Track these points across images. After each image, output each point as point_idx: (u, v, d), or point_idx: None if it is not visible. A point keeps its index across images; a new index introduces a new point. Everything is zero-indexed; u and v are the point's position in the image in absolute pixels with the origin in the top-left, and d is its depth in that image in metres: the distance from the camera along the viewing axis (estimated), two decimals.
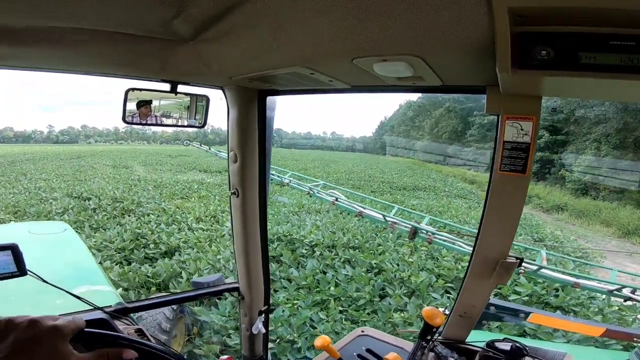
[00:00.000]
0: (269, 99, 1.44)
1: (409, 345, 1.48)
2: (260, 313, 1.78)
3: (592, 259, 9.29)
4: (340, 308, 4.45)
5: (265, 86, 1.33)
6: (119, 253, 6.02)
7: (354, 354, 1.38)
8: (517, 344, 1.24)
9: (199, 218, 8.39)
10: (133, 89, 1.13)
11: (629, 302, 4.53)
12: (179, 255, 5.85)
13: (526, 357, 1.24)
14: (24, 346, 0.52)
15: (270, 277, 1.88)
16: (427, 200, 14.84)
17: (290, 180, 8.99)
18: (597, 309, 4.72)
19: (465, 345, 1.40)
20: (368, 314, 4.38)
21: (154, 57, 0.97)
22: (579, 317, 4.62)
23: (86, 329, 0.64)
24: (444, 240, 5.84)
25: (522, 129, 0.93)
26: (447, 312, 1.36)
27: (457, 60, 0.82)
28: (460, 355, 1.36)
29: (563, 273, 5.01)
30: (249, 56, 0.94)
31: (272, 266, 5.20)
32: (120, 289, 4.40)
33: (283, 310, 4.09)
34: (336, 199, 7.31)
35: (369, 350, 1.33)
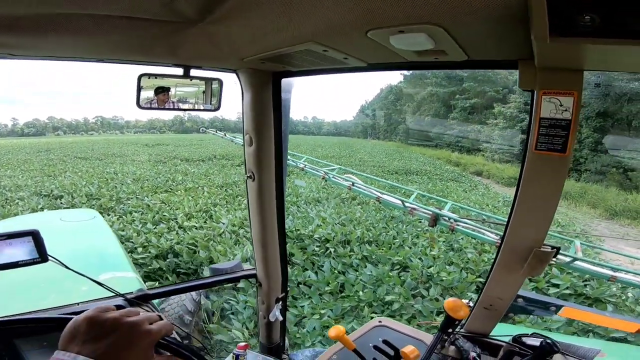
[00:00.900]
0: (284, 81, 1.39)
1: (429, 338, 1.42)
2: (277, 300, 1.75)
3: (593, 242, 9.27)
4: (373, 314, 3.91)
5: (279, 67, 1.28)
6: None
7: (370, 345, 1.28)
8: (548, 340, 1.15)
9: (189, 214, 7.56)
10: (146, 75, 1.12)
11: None
12: (175, 257, 5.13)
13: (556, 354, 1.14)
14: (121, 347, 0.53)
15: (288, 283, 1.85)
16: (423, 184, 14.50)
17: (305, 165, 8.60)
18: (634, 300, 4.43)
19: (489, 339, 1.35)
20: (408, 320, 3.88)
21: (163, 41, 0.93)
22: (620, 309, 4.34)
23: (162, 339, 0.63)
24: (468, 228, 5.48)
25: (561, 105, 0.86)
26: (471, 304, 1.28)
27: (485, 30, 0.73)
28: (483, 350, 1.30)
29: (599, 265, 4.69)
30: (259, 35, 0.89)
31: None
32: None
33: (314, 328, 3.51)
34: (353, 184, 6.75)
35: (385, 342, 1.21)
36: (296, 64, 1.20)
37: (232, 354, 1.42)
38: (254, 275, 1.73)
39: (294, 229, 6.18)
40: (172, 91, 1.17)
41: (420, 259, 5.26)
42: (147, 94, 1.14)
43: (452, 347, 1.29)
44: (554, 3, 0.52)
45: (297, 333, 3.52)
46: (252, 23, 0.80)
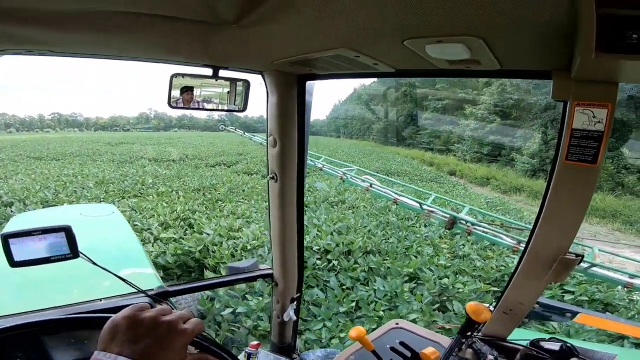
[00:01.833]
0: (308, 83, 1.38)
1: (445, 340, 1.44)
2: (292, 300, 1.76)
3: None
4: None
5: (305, 70, 1.28)
6: None
7: (387, 346, 1.26)
8: (567, 344, 1.16)
9: (165, 223, 6.75)
10: (177, 75, 1.13)
11: None
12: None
13: (575, 359, 1.15)
14: (159, 346, 0.54)
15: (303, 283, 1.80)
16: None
17: (324, 165, 8.68)
18: None
19: (507, 343, 1.35)
20: None
21: (196, 40, 0.94)
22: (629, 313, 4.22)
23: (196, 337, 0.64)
24: (486, 232, 5.27)
25: (594, 117, 0.85)
26: (491, 308, 1.27)
27: (523, 42, 0.73)
28: (500, 353, 1.30)
29: (616, 271, 4.60)
30: (292, 39, 0.90)
31: None
32: None
33: None
34: (370, 185, 6.88)
35: (402, 344, 1.17)
36: (323, 68, 1.20)
37: (244, 352, 1.45)
38: (271, 275, 1.74)
39: None
40: (197, 91, 1.18)
41: (430, 269, 4.89)
42: (174, 93, 1.15)
43: (470, 350, 1.30)
44: (604, 20, 0.53)
45: None
46: (286, 26, 0.80)
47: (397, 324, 1.57)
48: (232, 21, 0.75)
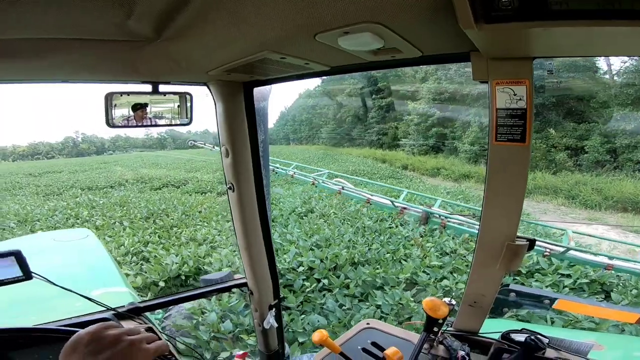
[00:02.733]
0: (258, 90, 1.39)
1: (416, 337, 1.37)
2: (270, 307, 1.75)
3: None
4: None
5: (247, 77, 1.29)
6: None
7: (358, 347, 1.21)
8: (536, 335, 1.15)
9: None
10: (114, 93, 1.12)
11: None
12: None
13: (547, 350, 1.14)
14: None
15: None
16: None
17: (295, 172, 8.67)
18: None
19: (479, 337, 1.32)
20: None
21: (123, 59, 0.94)
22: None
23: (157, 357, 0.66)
24: (460, 224, 5.18)
25: (515, 94, 0.87)
26: (452, 302, 1.22)
27: (425, 25, 0.71)
28: (473, 348, 1.27)
29: (594, 254, 4.69)
30: (214, 49, 0.91)
31: (285, 319, 3.56)
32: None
33: None
34: (342, 188, 6.81)
35: (373, 343, 1.16)
36: (262, 73, 1.20)
37: None
38: (245, 284, 1.74)
39: None
40: (149, 108, 1.17)
41: (424, 272, 4.61)
42: (122, 111, 1.13)
43: (441, 347, 1.28)
44: None
45: None
46: (205, 38, 0.82)
47: (368, 323, 1.54)
48: (152, 38, 0.76)
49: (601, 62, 20.64)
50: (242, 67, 1.06)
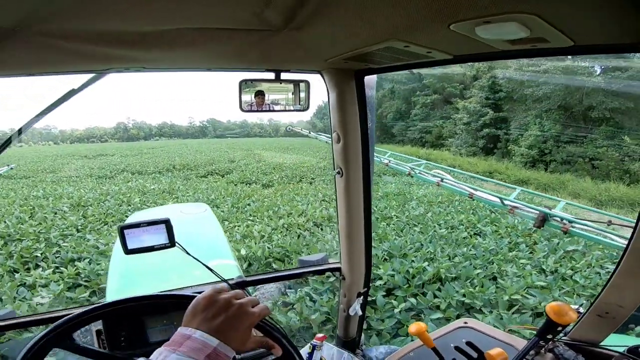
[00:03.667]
0: (367, 78, 1.41)
1: (520, 343, 1.32)
2: (359, 295, 1.77)
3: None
4: None
5: (361, 65, 1.30)
6: None
7: (452, 345, 1.11)
8: None
9: None
10: (245, 80, 1.23)
11: None
12: None
13: None
14: (231, 324, 0.62)
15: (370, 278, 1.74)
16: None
17: (390, 161, 8.30)
18: None
19: (598, 349, 1.21)
20: None
21: (257, 48, 1.00)
22: None
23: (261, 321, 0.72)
24: (587, 231, 4.33)
25: None
26: (580, 309, 1.18)
27: (591, 14, 0.62)
28: None
29: None
30: (339, 37, 0.93)
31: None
32: None
33: None
34: (441, 180, 6.19)
35: (469, 343, 1.06)
36: (378, 61, 1.21)
37: (309, 344, 1.50)
38: (339, 269, 1.76)
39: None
40: (266, 95, 1.26)
41: (531, 293, 3.74)
42: (246, 98, 1.24)
43: (550, 355, 1.20)
44: None
45: None
46: (331, 27, 0.84)
47: (465, 322, 1.48)
48: (282, 26, 0.80)
49: None
50: (360, 56, 1.07)
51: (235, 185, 12.35)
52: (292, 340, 0.87)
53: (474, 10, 0.63)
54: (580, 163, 19.93)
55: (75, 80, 1.09)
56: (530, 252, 5.33)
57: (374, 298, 3.81)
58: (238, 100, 1.21)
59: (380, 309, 3.63)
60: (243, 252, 5.22)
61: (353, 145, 1.45)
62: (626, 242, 1.06)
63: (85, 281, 4.56)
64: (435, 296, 3.89)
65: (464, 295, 3.84)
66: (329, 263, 1.80)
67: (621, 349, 1.14)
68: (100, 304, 0.94)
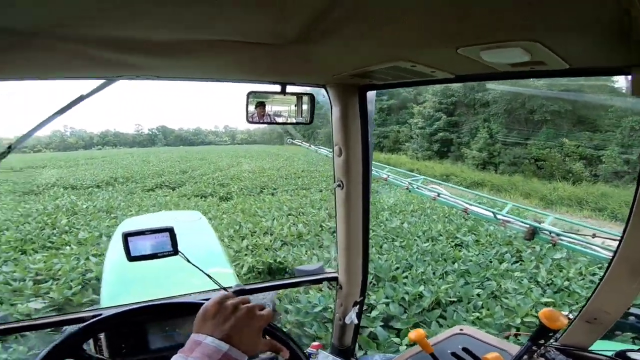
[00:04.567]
0: (369, 93, 1.44)
1: (515, 349, 1.32)
2: (355, 304, 1.81)
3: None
4: None
5: (365, 81, 1.34)
6: None
7: (448, 351, 1.21)
8: None
9: None
10: (252, 92, 1.23)
11: None
12: None
13: None
14: (241, 327, 0.64)
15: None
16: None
17: (389, 176, 8.58)
18: None
19: (588, 354, 1.26)
20: None
21: (265, 60, 1.00)
22: None
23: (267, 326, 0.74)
24: (574, 244, 4.55)
25: None
26: (570, 316, 1.22)
27: (587, 41, 0.68)
28: None
29: None
30: (350, 54, 0.96)
31: None
32: None
33: None
34: (438, 195, 6.40)
35: (465, 349, 1.17)
36: (382, 78, 1.24)
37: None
38: (336, 279, 1.79)
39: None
40: (268, 106, 1.26)
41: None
42: (250, 108, 1.24)
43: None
44: None
45: None
46: (342, 44, 0.85)
47: (461, 329, 1.50)
48: (293, 40, 0.80)
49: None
50: (366, 73, 1.10)
51: (189, 199, 11.12)
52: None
53: (482, 37, 0.68)
54: (526, 164, 21.21)
55: (85, 85, 1.07)
56: (519, 262, 5.16)
57: (372, 329, 3.24)
58: (245, 110, 1.23)
59: (383, 343, 3.09)
60: None
61: (354, 159, 1.48)
62: (610, 254, 1.06)
63: None
64: (440, 325, 3.39)
65: (473, 323, 3.35)
66: (326, 272, 1.84)
67: (609, 354, 1.20)
68: (114, 312, 0.95)
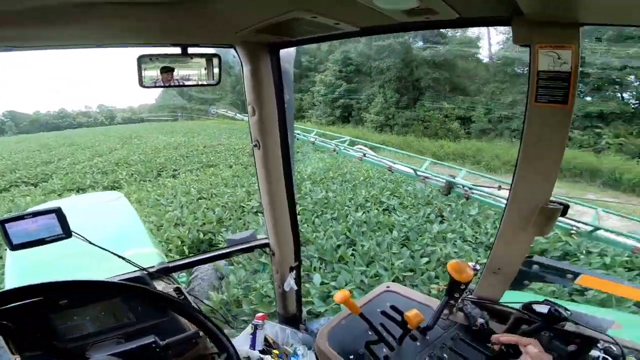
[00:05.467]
0: (284, 51, 1.44)
1: (437, 304, 1.37)
2: (291, 269, 1.78)
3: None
4: None
5: (274, 39, 1.33)
6: None
7: (377, 310, 1.28)
8: (557, 307, 1.10)
9: None
10: (145, 56, 1.17)
11: None
12: None
13: (567, 323, 1.09)
14: None
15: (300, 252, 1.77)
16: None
17: (316, 139, 8.82)
18: None
19: (499, 306, 1.30)
20: None
21: (158, 22, 0.98)
22: None
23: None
24: (483, 196, 4.98)
25: (559, 58, 0.85)
26: (477, 267, 1.21)
27: None
28: (492, 316, 1.26)
29: (627, 237, 4.24)
30: (247, 7, 0.95)
31: None
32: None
33: None
34: (364, 155, 6.67)
35: (393, 307, 1.23)
36: (289, 34, 1.23)
37: (250, 324, 1.52)
38: (267, 245, 1.76)
39: None
40: (176, 70, 1.23)
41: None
42: (151, 73, 1.19)
43: (460, 314, 1.28)
44: None
45: None
46: None
47: (388, 287, 1.52)
48: None
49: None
50: (270, 28, 1.07)
51: (60, 195, 8.78)
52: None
53: None
54: (416, 125, 23.57)
55: None
56: (445, 223, 5.42)
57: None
58: (138, 76, 1.16)
59: None
60: None
61: (269, 118, 1.45)
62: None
63: None
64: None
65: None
66: (257, 239, 1.79)
67: (517, 306, 1.21)
68: (34, 284, 0.86)
